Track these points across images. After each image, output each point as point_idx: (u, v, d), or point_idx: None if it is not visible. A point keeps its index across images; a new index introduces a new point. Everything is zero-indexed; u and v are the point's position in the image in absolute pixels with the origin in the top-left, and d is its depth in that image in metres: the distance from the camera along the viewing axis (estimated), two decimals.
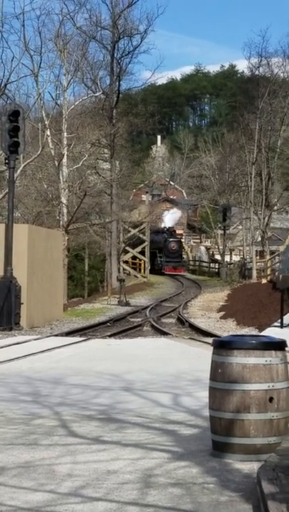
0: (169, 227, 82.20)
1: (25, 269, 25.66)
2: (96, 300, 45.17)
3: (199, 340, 20.28)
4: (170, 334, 23.99)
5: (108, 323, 29.08)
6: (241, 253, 73.66)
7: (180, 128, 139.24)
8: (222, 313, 34.07)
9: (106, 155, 58.60)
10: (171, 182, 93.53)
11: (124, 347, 18.76)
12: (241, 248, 73.85)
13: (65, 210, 45.42)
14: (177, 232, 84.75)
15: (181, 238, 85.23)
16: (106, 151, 58.19)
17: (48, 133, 44.53)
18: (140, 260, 71.43)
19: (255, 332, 23.22)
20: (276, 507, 4.96)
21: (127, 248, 68.36)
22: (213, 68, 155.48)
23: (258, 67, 60.37)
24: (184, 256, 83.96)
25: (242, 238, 73.10)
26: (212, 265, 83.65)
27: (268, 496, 5.22)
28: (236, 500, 5.77)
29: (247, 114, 59.50)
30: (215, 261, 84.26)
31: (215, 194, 74.80)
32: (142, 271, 70.74)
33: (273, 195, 59.48)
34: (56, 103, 49.11)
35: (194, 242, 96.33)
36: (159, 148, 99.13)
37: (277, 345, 7.11)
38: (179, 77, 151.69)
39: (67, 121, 46.67)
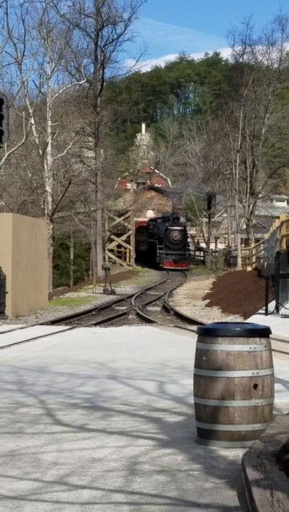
0: (173, 213, 72.11)
1: (9, 258, 25.61)
2: (81, 289, 45.19)
3: (184, 328, 20.33)
4: (155, 322, 24.03)
5: (93, 312, 29.08)
6: (226, 241, 73.77)
7: (164, 116, 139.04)
8: (207, 301, 34.16)
9: (90, 143, 58.48)
10: (156, 170, 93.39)
11: (109, 335, 18.77)
12: (226, 236, 73.97)
13: (49, 199, 45.32)
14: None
15: (187, 226, 73.34)
16: (90, 139, 58.07)
17: (32, 121, 44.36)
18: (125, 249, 71.43)
19: (240, 319, 23.29)
20: (260, 493, 4.98)
21: (112, 237, 68.37)
22: (197, 56, 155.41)
23: (242, 54, 60.29)
24: (190, 248, 72.87)
25: (227, 226, 73.18)
26: (197, 253, 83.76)
27: (253, 482, 5.24)
28: (221, 486, 5.79)
29: (231, 101, 59.46)
30: (200, 249, 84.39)
31: (200, 182, 74.78)
32: (128, 259, 70.76)
33: (258, 182, 59.56)
34: (40, 91, 49.00)
35: None
36: (144, 136, 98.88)
37: (262, 332, 7.12)
38: (163, 65, 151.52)
39: (52, 109, 46.53)
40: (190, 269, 65.93)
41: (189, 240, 75.26)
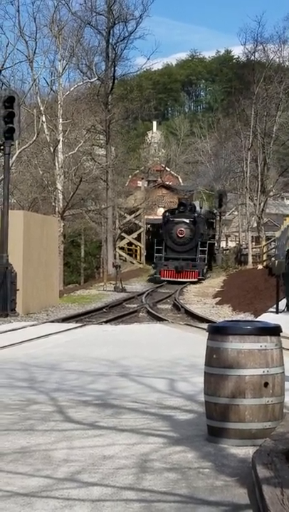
0: (179, 199, 54.89)
1: (20, 256, 25.63)
2: (92, 286, 45.21)
3: (195, 326, 20.31)
4: (166, 320, 24.01)
5: (104, 310, 29.10)
6: (237, 239, 73.65)
7: (176, 114, 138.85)
8: (218, 299, 34.13)
9: (101, 141, 58.50)
10: (166, 168, 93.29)
11: (120, 333, 18.78)
12: (237, 234, 73.84)
13: (60, 197, 45.35)
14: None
15: (215, 217, 54.98)
16: (101, 137, 58.10)
17: (44, 119, 44.41)
18: (136, 246, 71.43)
19: (251, 318, 23.26)
20: (271, 491, 4.99)
21: (122, 234, 68.36)
22: (208, 54, 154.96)
23: (254, 52, 60.22)
24: (205, 250, 50.34)
25: (238, 224, 73.07)
26: None
27: (263, 480, 5.25)
28: (231, 484, 5.80)
29: (242, 99, 59.41)
30: None
31: (211, 180, 74.71)
32: (138, 257, 70.75)
33: (269, 180, 59.43)
34: (51, 89, 48.99)
35: None
36: (155, 134, 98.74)
37: (272, 331, 7.12)
38: (174, 63, 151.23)
39: (63, 107, 46.54)
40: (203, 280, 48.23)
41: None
